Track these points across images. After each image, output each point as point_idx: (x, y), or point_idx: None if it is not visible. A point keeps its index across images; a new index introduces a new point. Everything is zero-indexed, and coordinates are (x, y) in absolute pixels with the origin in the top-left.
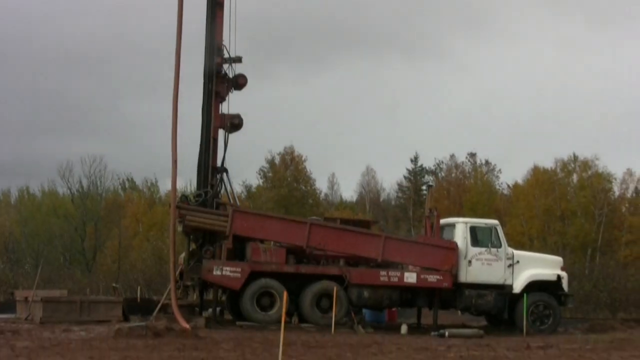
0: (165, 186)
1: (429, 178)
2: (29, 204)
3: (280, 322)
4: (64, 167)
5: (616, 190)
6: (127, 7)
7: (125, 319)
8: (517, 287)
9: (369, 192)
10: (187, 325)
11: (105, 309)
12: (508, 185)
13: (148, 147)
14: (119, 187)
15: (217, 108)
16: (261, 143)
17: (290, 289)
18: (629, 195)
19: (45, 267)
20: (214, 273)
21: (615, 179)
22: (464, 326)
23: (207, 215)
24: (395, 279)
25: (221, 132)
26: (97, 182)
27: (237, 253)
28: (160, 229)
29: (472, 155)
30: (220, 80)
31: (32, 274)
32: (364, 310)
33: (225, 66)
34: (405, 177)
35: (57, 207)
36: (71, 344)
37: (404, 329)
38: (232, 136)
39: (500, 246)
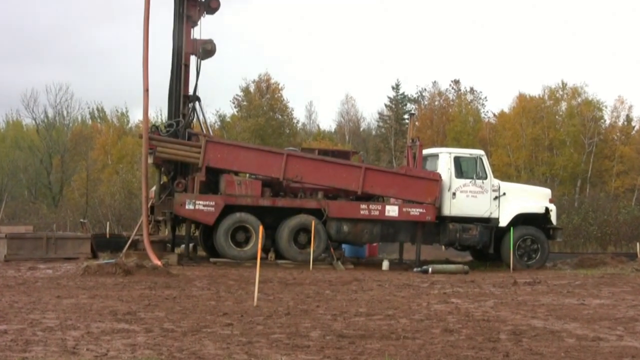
0: (135, 116)
1: (411, 106)
2: None
3: (255, 258)
4: (28, 96)
5: (607, 118)
6: None
7: (94, 256)
8: (504, 221)
9: (349, 122)
10: (158, 262)
11: (73, 245)
12: (494, 114)
13: (117, 74)
14: (87, 117)
15: (189, 33)
16: (235, 71)
17: (267, 224)
18: (620, 123)
19: (9, 202)
20: (187, 207)
21: (606, 106)
22: (448, 262)
23: (178, 146)
24: (376, 212)
25: (193, 59)
26: (64, 112)
27: (211, 186)
28: (130, 161)
29: (456, 82)
30: (191, 3)
31: None
32: (344, 246)
33: None
34: (386, 105)
35: (21, 138)
36: (37, 282)
37: (385, 264)
38: (205, 63)
39: (485, 177)
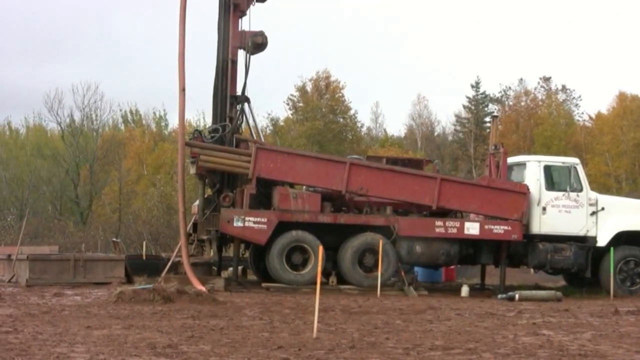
0: (175, 119)
1: (493, 107)
2: (11, 142)
3: (314, 283)
4: (52, 97)
5: None
6: None
7: (129, 280)
8: (602, 240)
9: (421, 125)
10: (202, 288)
11: (104, 268)
12: (589, 116)
13: (155, 71)
14: (119, 121)
15: (236, 24)
16: (290, 68)
17: (327, 243)
18: None
19: (31, 219)
20: (235, 224)
21: None
22: (537, 287)
23: (225, 154)
24: (454, 230)
25: (241, 54)
26: (93, 115)
27: (262, 200)
28: (169, 171)
29: (546, 79)
30: None
31: (16, 227)
32: (416, 269)
33: None
34: (464, 106)
35: (44, 145)
36: (64, 310)
37: (464, 290)
38: (255, 58)
39: (581, 190)
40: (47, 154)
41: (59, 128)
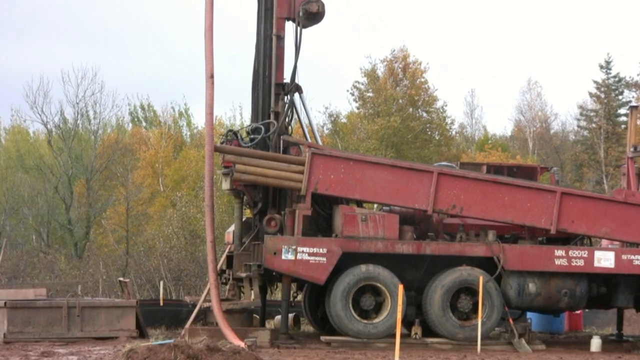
0: (201, 117)
1: (631, 95)
2: None
3: (392, 335)
4: (35, 89)
5: None
6: None
7: (141, 333)
8: None
9: (533, 121)
10: (241, 343)
11: (109, 317)
12: None
13: (171, 54)
14: (126, 119)
15: None
16: (355, 45)
17: (408, 282)
18: None
19: (9, 253)
20: (283, 257)
21: None
22: None
23: (269, 163)
24: (580, 263)
25: (290, 27)
26: (90, 113)
27: (320, 224)
28: (194, 186)
29: None
30: None
31: None
32: (529, 315)
33: None
34: (591, 94)
35: (25, 154)
36: None
37: (595, 343)
38: (308, 32)
39: None
40: (29, 165)
41: (45, 130)
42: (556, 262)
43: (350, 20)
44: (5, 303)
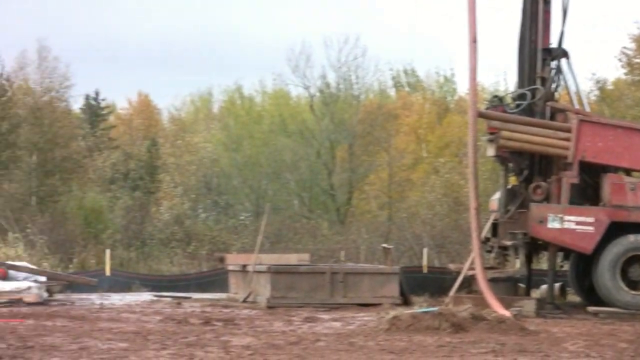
0: (465, 83)
1: None
2: (243, 113)
3: None
4: (298, 52)
5: None
6: None
7: (405, 301)
8: None
9: None
10: (506, 312)
11: (372, 284)
12: None
13: (439, 16)
14: (389, 84)
15: None
16: (624, 6)
17: None
18: None
19: (272, 217)
20: (549, 225)
21: None
22: None
23: (536, 129)
24: None
25: None
26: (352, 77)
27: (588, 192)
28: (458, 153)
29: None
30: None
31: (252, 227)
32: None
33: None
34: None
35: (287, 118)
36: (319, 341)
37: None
38: None
39: None
40: (291, 130)
41: (307, 94)
42: None
43: None
44: (268, 268)
